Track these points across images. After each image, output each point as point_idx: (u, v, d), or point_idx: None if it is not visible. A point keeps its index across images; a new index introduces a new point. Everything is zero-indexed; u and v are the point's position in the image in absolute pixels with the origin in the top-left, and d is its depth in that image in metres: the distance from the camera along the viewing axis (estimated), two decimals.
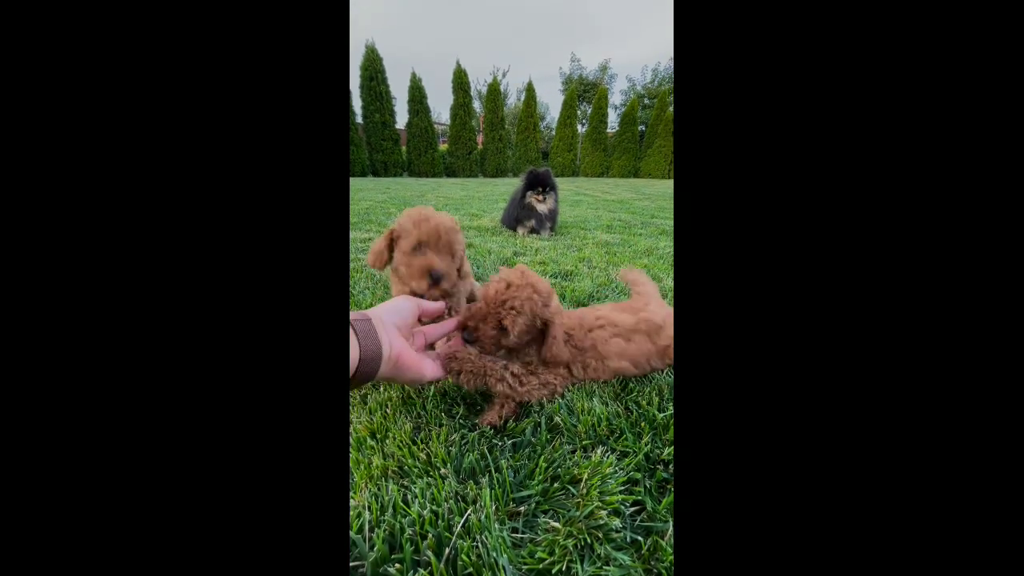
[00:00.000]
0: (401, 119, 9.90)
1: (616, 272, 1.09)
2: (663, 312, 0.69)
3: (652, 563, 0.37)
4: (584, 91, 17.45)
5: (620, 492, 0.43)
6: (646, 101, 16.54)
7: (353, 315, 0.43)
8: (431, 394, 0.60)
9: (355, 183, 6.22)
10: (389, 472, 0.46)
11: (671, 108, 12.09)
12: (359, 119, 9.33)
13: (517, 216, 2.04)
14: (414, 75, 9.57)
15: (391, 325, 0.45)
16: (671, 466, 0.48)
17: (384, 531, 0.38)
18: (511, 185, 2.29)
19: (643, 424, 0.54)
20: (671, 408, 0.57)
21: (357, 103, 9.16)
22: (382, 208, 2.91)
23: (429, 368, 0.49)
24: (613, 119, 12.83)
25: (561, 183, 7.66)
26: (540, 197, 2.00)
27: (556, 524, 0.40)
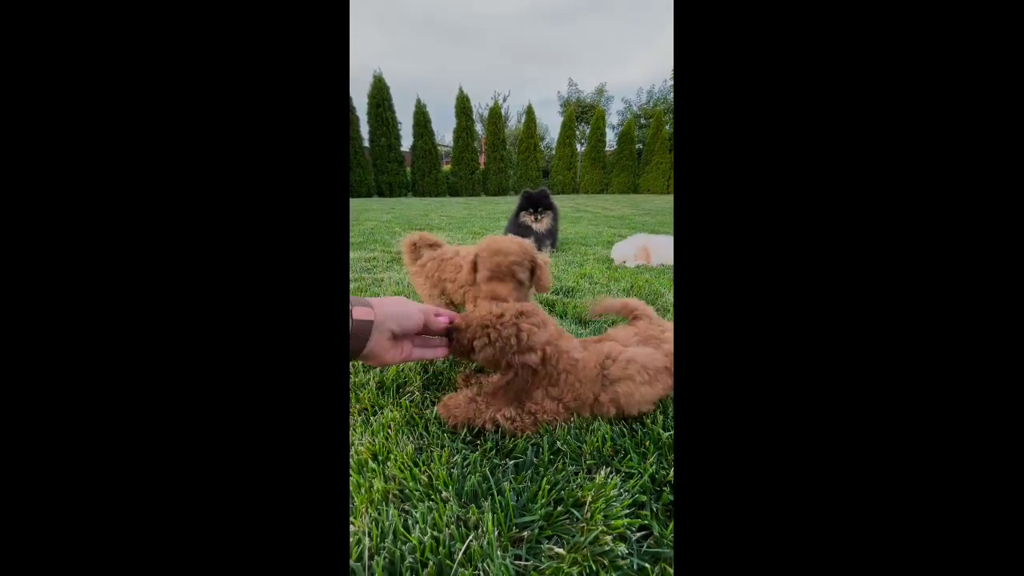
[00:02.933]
0: (406, 142, 10.29)
1: (602, 299, 0.88)
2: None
3: None
4: (582, 112, 18.06)
5: (626, 516, 0.42)
6: (642, 121, 17.05)
7: (360, 309, 0.43)
8: (434, 415, 0.60)
9: (361, 203, 6.38)
10: (390, 496, 0.45)
11: (668, 127, 12.45)
12: (366, 143, 9.71)
13: (516, 234, 2.08)
14: (419, 101, 10.01)
15: (386, 333, 0.46)
16: None
17: (384, 559, 0.37)
18: (513, 203, 2.35)
19: (648, 444, 0.53)
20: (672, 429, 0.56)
21: (365, 128, 9.58)
22: (387, 228, 2.97)
23: (390, 354, 0.49)
24: (611, 138, 13.22)
25: (561, 200, 7.79)
26: (532, 217, 2.04)
27: (560, 551, 0.39)
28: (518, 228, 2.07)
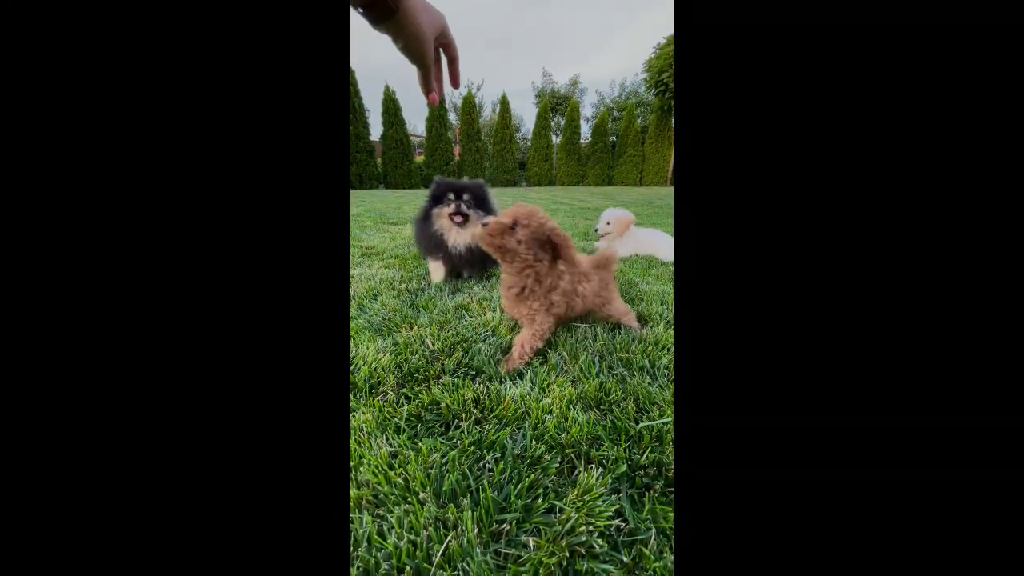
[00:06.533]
0: (375, 131, 9.83)
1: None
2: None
3: (636, 572, 0.37)
4: (556, 104, 18.04)
5: (602, 504, 0.43)
6: (615, 114, 17.31)
7: None
8: (405, 416, 0.58)
9: None
10: (364, 502, 0.43)
11: (639, 120, 12.71)
12: None
13: (427, 247, 1.19)
14: (388, 88, 9.55)
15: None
16: (649, 470, 0.48)
17: (358, 569, 0.36)
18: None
19: (620, 434, 0.54)
20: (644, 420, 0.58)
21: None
22: (356, 221, 2.84)
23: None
24: (585, 131, 13.31)
25: (538, 192, 7.79)
26: (456, 215, 1.12)
27: (540, 540, 0.39)
28: (429, 238, 1.16)
